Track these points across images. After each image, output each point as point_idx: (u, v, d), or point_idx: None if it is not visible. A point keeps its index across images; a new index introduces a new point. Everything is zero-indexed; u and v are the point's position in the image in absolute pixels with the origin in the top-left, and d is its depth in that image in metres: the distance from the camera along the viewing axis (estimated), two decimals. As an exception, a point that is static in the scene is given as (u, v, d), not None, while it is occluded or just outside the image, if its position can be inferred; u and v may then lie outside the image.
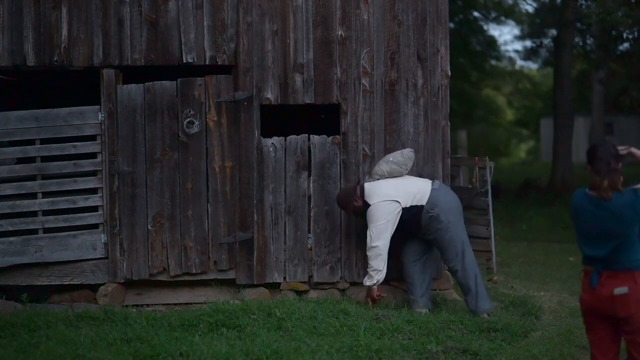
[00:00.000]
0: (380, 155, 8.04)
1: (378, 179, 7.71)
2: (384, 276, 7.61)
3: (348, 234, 8.06)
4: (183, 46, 7.92)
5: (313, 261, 8.03)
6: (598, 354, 4.83)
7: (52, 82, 10.06)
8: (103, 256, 7.91)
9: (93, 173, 7.92)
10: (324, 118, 9.27)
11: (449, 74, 8.20)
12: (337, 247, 8.05)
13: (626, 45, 18.21)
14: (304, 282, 8.05)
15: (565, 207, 18.60)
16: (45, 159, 7.92)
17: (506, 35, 74.40)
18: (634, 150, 5.01)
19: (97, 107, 7.93)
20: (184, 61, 7.93)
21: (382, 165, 7.75)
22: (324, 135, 8.08)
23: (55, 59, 7.86)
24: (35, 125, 7.84)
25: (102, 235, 7.90)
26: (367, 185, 7.69)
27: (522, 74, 39.30)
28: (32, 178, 7.90)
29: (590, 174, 4.75)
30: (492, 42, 29.79)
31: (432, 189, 7.64)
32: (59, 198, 7.91)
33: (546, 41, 27.45)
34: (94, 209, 7.93)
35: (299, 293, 8.01)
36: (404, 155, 7.78)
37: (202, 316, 6.94)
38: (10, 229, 7.84)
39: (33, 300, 7.65)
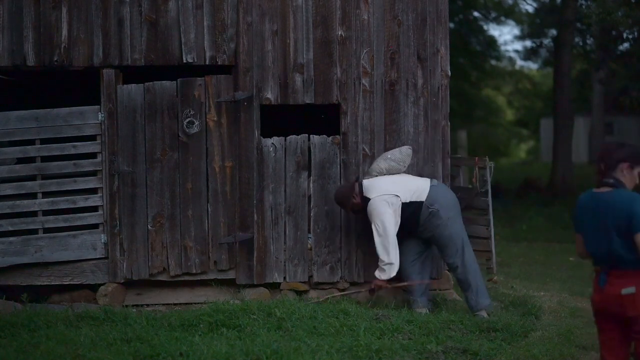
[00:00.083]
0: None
1: (376, 176, 7.71)
2: (397, 269, 7.52)
3: (348, 234, 8.06)
4: (183, 46, 7.92)
5: (313, 261, 8.03)
6: (607, 356, 4.79)
7: (52, 82, 10.06)
8: (103, 256, 7.91)
9: (93, 173, 7.93)
10: (324, 118, 9.27)
11: (449, 74, 8.20)
12: (337, 247, 8.05)
13: (626, 45, 18.22)
14: (304, 282, 8.05)
15: (566, 207, 18.60)
16: (45, 159, 7.92)
17: (506, 35, 74.44)
18: None
19: (97, 107, 7.93)
20: (184, 61, 7.93)
21: (380, 163, 7.75)
22: (324, 135, 8.08)
23: (55, 59, 7.86)
24: (35, 125, 7.84)
25: (102, 235, 7.90)
26: (365, 181, 7.69)
27: (522, 74, 39.32)
28: (32, 178, 7.90)
29: (597, 173, 4.75)
30: (492, 42, 29.80)
31: (431, 186, 7.64)
32: (59, 198, 7.91)
33: (546, 41, 27.45)
34: (94, 209, 7.93)
35: (299, 293, 8.01)
36: (402, 153, 7.78)
37: (202, 316, 6.94)
38: (10, 229, 7.84)
39: (33, 300, 7.65)
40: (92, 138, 7.92)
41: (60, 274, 7.87)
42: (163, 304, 7.96)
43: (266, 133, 8.10)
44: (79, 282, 7.91)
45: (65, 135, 7.88)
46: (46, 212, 7.90)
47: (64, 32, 7.85)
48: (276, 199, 8.00)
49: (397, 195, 7.52)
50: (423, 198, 7.56)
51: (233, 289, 8.00)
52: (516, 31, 55.65)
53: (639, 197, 4.62)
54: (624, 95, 20.91)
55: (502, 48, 44.79)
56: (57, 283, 7.90)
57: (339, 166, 8.06)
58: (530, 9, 28.37)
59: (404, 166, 7.77)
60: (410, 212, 7.55)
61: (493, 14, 29.35)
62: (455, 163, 8.62)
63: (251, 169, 7.98)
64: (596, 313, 4.83)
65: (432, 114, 8.15)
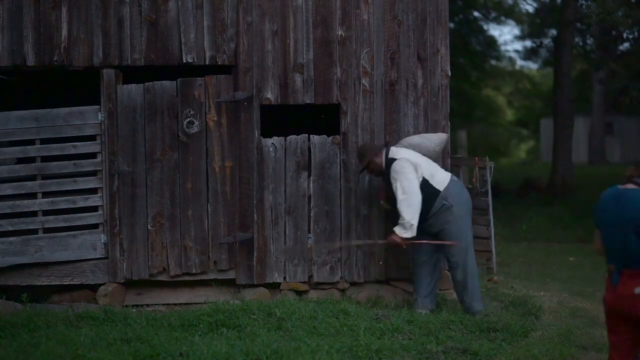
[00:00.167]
0: (380, 155, 8.05)
1: (405, 147, 7.69)
2: (415, 232, 7.42)
3: (348, 234, 8.06)
4: (183, 46, 7.92)
5: (313, 261, 8.03)
6: (616, 357, 4.75)
7: (52, 82, 10.06)
8: (103, 256, 7.91)
9: (93, 173, 7.93)
10: (324, 118, 9.27)
11: (449, 74, 8.20)
12: (337, 247, 8.05)
13: (626, 45, 18.22)
14: (304, 282, 8.05)
15: (566, 207, 18.61)
16: (45, 159, 7.92)
17: (506, 35, 74.41)
18: None
19: (97, 107, 7.93)
20: (184, 61, 7.93)
21: (414, 138, 7.77)
22: (324, 135, 8.08)
23: (55, 59, 7.86)
24: (35, 125, 7.84)
25: (102, 235, 7.91)
26: (393, 147, 7.69)
27: (522, 74, 39.31)
28: (32, 178, 7.90)
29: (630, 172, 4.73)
30: (492, 42, 29.79)
31: (451, 180, 7.61)
32: (59, 198, 7.91)
33: (546, 41, 27.44)
34: (94, 209, 7.93)
35: (299, 293, 8.01)
36: (439, 136, 7.80)
37: (202, 316, 6.94)
38: (10, 229, 7.84)
39: (33, 300, 7.65)
40: (92, 138, 7.92)
41: (60, 274, 7.87)
42: (163, 304, 7.96)
43: (266, 133, 8.10)
44: (79, 282, 7.91)
45: (65, 135, 7.88)
46: (46, 212, 7.90)
47: (64, 32, 7.85)
48: (276, 199, 8.00)
49: (421, 167, 7.49)
50: (441, 188, 7.51)
51: (233, 289, 8.00)
52: (516, 31, 55.66)
53: None
54: (624, 95, 20.91)
55: (502, 48, 44.80)
56: (57, 283, 7.90)
57: (339, 166, 8.06)
58: (530, 9, 28.37)
59: (434, 150, 7.74)
60: (425, 196, 7.44)
61: (493, 14, 29.34)
62: (455, 163, 8.62)
63: (251, 169, 7.98)
64: (608, 313, 4.76)
65: (432, 114, 8.15)
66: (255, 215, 7.98)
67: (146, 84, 7.93)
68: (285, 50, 8.00)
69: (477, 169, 8.30)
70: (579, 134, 31.30)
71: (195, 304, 7.85)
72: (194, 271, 7.95)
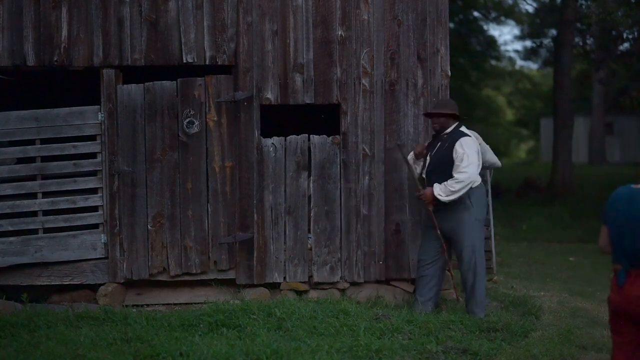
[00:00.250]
0: (380, 155, 8.06)
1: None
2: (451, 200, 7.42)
3: (348, 234, 8.06)
4: (183, 46, 7.93)
5: (313, 261, 8.03)
6: (620, 358, 4.70)
7: (52, 82, 10.06)
8: (103, 256, 7.91)
9: (93, 173, 7.93)
10: (324, 118, 9.27)
11: (449, 74, 8.20)
12: (337, 247, 8.05)
13: (626, 45, 18.23)
14: (304, 282, 8.05)
15: (566, 207, 18.62)
16: (45, 159, 7.92)
17: (506, 35, 74.44)
18: None
19: (97, 107, 7.93)
20: (184, 61, 7.93)
21: (483, 144, 7.84)
22: (324, 135, 8.08)
23: (55, 59, 7.86)
24: (35, 125, 7.84)
25: (102, 235, 7.91)
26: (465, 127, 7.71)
27: (522, 74, 39.33)
28: (32, 178, 7.90)
29: None
30: (492, 42, 29.81)
31: (481, 183, 7.61)
32: (59, 198, 7.91)
33: (546, 41, 27.46)
34: (94, 209, 7.93)
35: (299, 293, 8.01)
36: (494, 163, 7.95)
37: (202, 316, 6.94)
38: (10, 229, 7.85)
39: (33, 300, 7.65)
40: (92, 138, 7.92)
41: (60, 274, 7.87)
42: (163, 304, 7.96)
43: (266, 133, 8.10)
44: (79, 282, 7.91)
45: (65, 135, 7.88)
46: (46, 212, 7.90)
47: (64, 32, 7.85)
48: (276, 199, 8.00)
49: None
50: (473, 185, 7.51)
51: (233, 289, 8.00)
52: (516, 31, 55.70)
53: None
54: (624, 95, 20.93)
55: (502, 48, 44.87)
56: (57, 283, 7.90)
57: (339, 166, 8.06)
58: (530, 9, 28.41)
59: (482, 165, 7.72)
60: (464, 193, 7.43)
61: (493, 14, 29.35)
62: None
63: (251, 169, 7.98)
64: (613, 313, 4.71)
65: (432, 114, 8.14)
66: (255, 215, 7.98)
67: (146, 84, 7.93)
68: (285, 50, 8.01)
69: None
70: (579, 134, 31.32)
71: (195, 304, 7.85)
72: (194, 271, 7.95)
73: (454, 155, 7.44)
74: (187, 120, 7.92)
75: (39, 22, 7.83)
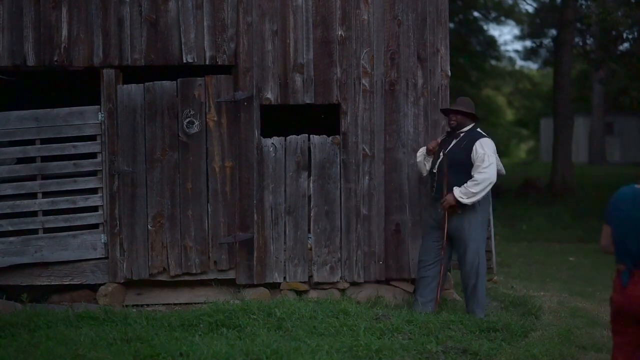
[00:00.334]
0: (380, 155, 8.06)
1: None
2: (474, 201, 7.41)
3: (348, 234, 8.06)
4: (183, 46, 7.93)
5: (313, 261, 8.03)
6: (620, 358, 4.70)
7: (52, 82, 10.06)
8: (103, 256, 7.91)
9: (93, 173, 7.93)
10: (324, 118, 9.27)
11: (449, 74, 8.20)
12: (337, 247, 8.06)
13: (626, 45, 18.22)
14: (304, 282, 8.05)
15: (566, 207, 18.62)
16: (45, 159, 7.92)
17: (506, 35, 74.49)
18: None
19: (97, 107, 7.93)
20: (184, 61, 7.93)
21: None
22: (324, 135, 8.08)
23: (55, 59, 7.86)
24: (35, 125, 7.84)
25: (102, 235, 7.91)
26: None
27: (522, 74, 39.33)
28: (32, 178, 7.90)
29: None
30: (492, 42, 29.80)
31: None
32: (59, 198, 7.91)
33: (546, 41, 27.46)
34: (94, 209, 7.93)
35: (299, 293, 8.01)
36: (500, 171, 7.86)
37: (202, 316, 6.94)
38: (10, 229, 7.84)
39: (33, 300, 7.66)
40: (92, 138, 7.92)
41: (60, 274, 7.87)
42: (163, 304, 7.96)
43: (266, 133, 8.10)
44: (79, 282, 7.91)
45: (65, 135, 7.88)
46: (46, 212, 7.90)
47: (64, 32, 7.85)
48: (276, 199, 8.00)
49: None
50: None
51: (233, 289, 8.00)
52: (516, 31, 55.71)
53: None
54: (624, 95, 20.92)
55: (502, 48, 44.86)
56: (57, 283, 7.90)
57: (339, 166, 8.06)
58: (530, 9, 28.40)
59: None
60: (485, 194, 7.44)
61: (493, 14, 29.35)
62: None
63: (251, 169, 7.98)
64: (615, 314, 4.70)
65: (432, 114, 8.15)
66: (255, 215, 7.98)
67: (146, 84, 7.93)
68: (285, 50, 8.01)
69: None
70: (579, 134, 31.33)
71: (195, 304, 7.85)
72: (194, 271, 7.95)
73: (474, 155, 7.44)
74: (187, 120, 7.92)
75: (39, 22, 7.83)
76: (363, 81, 8.07)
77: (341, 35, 8.04)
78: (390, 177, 8.10)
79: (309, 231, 8.05)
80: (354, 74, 8.06)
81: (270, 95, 7.99)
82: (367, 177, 8.06)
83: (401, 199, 8.11)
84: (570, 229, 16.27)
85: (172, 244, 7.92)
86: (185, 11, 7.91)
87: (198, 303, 7.83)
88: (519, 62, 40.10)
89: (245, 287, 7.99)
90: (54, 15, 7.84)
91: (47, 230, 7.88)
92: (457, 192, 7.39)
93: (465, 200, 7.37)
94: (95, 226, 7.94)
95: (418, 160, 7.78)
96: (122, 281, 7.92)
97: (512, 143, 45.82)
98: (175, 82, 7.93)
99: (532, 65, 38.21)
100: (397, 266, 8.11)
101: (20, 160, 8.03)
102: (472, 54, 28.25)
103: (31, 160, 7.92)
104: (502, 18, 30.77)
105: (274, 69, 7.99)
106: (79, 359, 5.99)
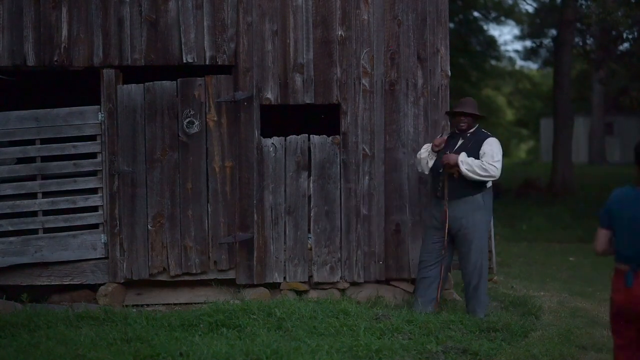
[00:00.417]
0: (380, 155, 8.06)
1: None
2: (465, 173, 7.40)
3: (348, 234, 8.06)
4: (183, 46, 7.93)
5: (313, 261, 8.03)
6: (622, 358, 4.71)
7: (52, 82, 10.06)
8: (103, 256, 7.91)
9: (93, 173, 7.93)
10: (323, 118, 9.27)
11: (449, 74, 8.20)
12: (337, 247, 8.05)
13: (626, 45, 18.21)
14: (304, 282, 8.05)
15: (566, 207, 18.62)
16: (45, 159, 7.92)
17: (506, 35, 74.53)
18: None
19: (97, 107, 7.93)
20: (184, 61, 7.93)
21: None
22: (324, 135, 8.08)
23: (55, 59, 7.86)
24: (35, 125, 7.84)
25: (102, 235, 7.91)
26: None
27: (522, 74, 39.33)
28: (32, 178, 7.90)
29: (637, 173, 4.68)
30: (492, 42, 29.80)
31: (490, 186, 7.64)
32: (59, 198, 7.91)
33: (546, 41, 27.46)
34: (94, 209, 7.93)
35: (299, 293, 8.01)
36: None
37: (202, 316, 6.94)
38: (10, 229, 7.85)
39: (33, 300, 7.66)
40: (92, 138, 7.92)
41: (60, 274, 7.87)
42: (163, 304, 7.96)
43: (266, 133, 8.10)
44: (79, 282, 7.91)
45: (65, 135, 7.88)
46: (46, 212, 7.90)
47: (64, 32, 7.85)
48: (276, 199, 8.00)
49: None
50: (488, 185, 7.54)
51: (233, 289, 8.00)
52: (516, 31, 55.74)
53: None
54: (624, 95, 20.91)
55: (502, 48, 44.88)
56: (57, 283, 7.90)
57: (339, 166, 8.06)
58: (530, 9, 28.40)
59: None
60: (479, 182, 7.46)
61: (493, 14, 29.34)
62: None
63: (251, 169, 7.98)
64: (616, 314, 4.70)
65: (432, 114, 8.15)
66: (255, 215, 7.98)
67: (146, 84, 7.93)
68: (285, 50, 8.01)
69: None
70: (579, 134, 31.33)
71: (195, 304, 7.85)
72: (194, 271, 7.95)
73: (482, 153, 7.46)
74: (187, 120, 7.92)
75: (39, 22, 7.83)
76: (363, 81, 8.07)
77: (341, 35, 8.04)
78: (390, 177, 8.10)
79: (309, 231, 8.05)
80: (354, 74, 8.06)
81: (270, 95, 7.99)
82: (367, 177, 8.06)
83: (401, 199, 8.11)
84: (570, 229, 16.26)
85: (172, 244, 7.92)
86: (185, 11, 7.91)
87: (198, 303, 7.83)
88: (519, 62, 40.16)
89: (245, 287, 7.99)
90: (54, 15, 7.84)
91: (47, 230, 7.88)
92: (463, 156, 7.40)
93: (463, 169, 7.36)
94: (95, 226, 7.94)
95: (422, 156, 7.72)
96: (122, 281, 7.92)
97: (512, 143, 45.81)
98: (175, 82, 7.93)
99: (532, 65, 38.25)
100: (397, 266, 8.11)
101: (20, 160, 8.03)
102: (472, 54, 28.25)
103: (31, 160, 7.92)
104: (502, 18, 30.77)
105: (274, 69, 7.99)
106: (79, 359, 5.99)
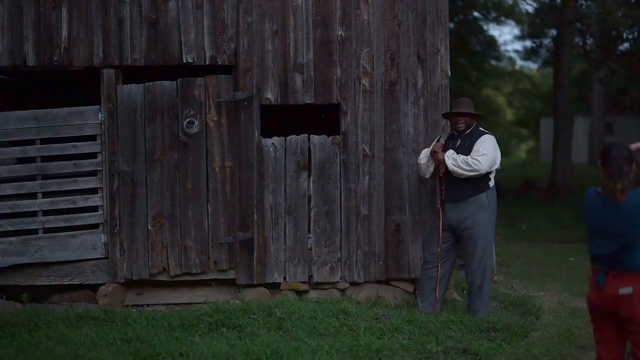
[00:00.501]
0: (380, 155, 8.06)
1: None
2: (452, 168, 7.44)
3: (348, 234, 8.06)
4: (183, 46, 7.93)
5: (313, 261, 8.03)
6: (603, 353, 4.86)
7: (52, 82, 10.06)
8: (103, 256, 7.91)
9: (93, 173, 7.93)
10: (323, 118, 9.27)
11: (449, 74, 8.20)
12: (337, 247, 8.06)
13: (626, 45, 18.21)
14: (304, 282, 8.05)
15: (566, 207, 18.62)
16: (45, 159, 7.93)
17: (506, 35, 74.52)
18: None
19: (97, 107, 7.93)
20: (184, 61, 7.93)
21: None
22: (324, 135, 8.08)
23: (55, 59, 7.86)
24: (35, 125, 7.84)
25: (102, 235, 7.91)
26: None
27: (522, 74, 39.33)
28: (32, 178, 7.90)
29: (603, 176, 4.75)
30: (492, 42, 29.80)
31: (494, 185, 7.63)
32: (59, 198, 7.91)
33: (546, 41, 27.46)
34: (94, 209, 7.94)
35: (299, 293, 8.01)
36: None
37: (202, 316, 6.94)
38: (10, 229, 7.85)
39: (33, 300, 7.66)
40: (92, 138, 7.92)
41: (60, 274, 7.87)
42: (163, 304, 7.97)
43: (266, 133, 8.10)
44: (79, 282, 7.91)
45: (65, 135, 7.88)
46: (46, 212, 7.90)
47: (64, 32, 7.85)
48: (276, 199, 8.00)
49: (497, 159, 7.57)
50: (491, 185, 7.55)
51: (233, 289, 8.00)
52: (516, 31, 55.74)
53: None
54: (624, 95, 20.91)
55: (502, 48, 44.89)
56: (57, 283, 7.90)
57: (339, 166, 8.06)
58: (530, 9, 28.40)
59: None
60: (482, 180, 7.46)
61: (493, 14, 29.34)
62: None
63: (251, 169, 7.98)
64: (592, 311, 4.88)
65: (432, 114, 8.15)
66: (255, 215, 7.98)
67: (146, 84, 7.93)
68: (285, 50, 8.01)
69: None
70: (579, 134, 31.34)
71: (195, 304, 7.85)
72: (194, 271, 7.95)
73: (474, 150, 7.47)
74: (187, 120, 7.92)
75: (39, 22, 7.83)
76: (363, 81, 8.07)
77: (341, 35, 8.04)
78: (390, 177, 8.10)
79: (309, 231, 8.05)
80: (354, 74, 8.06)
81: (270, 95, 7.99)
82: (367, 177, 8.06)
83: (401, 199, 8.11)
84: (570, 229, 16.26)
85: (172, 244, 7.92)
86: (185, 11, 7.91)
87: (198, 303, 7.83)
88: (519, 62, 40.16)
89: (245, 287, 7.99)
90: (54, 15, 7.84)
91: (47, 230, 7.88)
92: (450, 152, 7.45)
93: (449, 163, 7.41)
94: (95, 226, 7.95)
95: (422, 162, 7.73)
96: (122, 281, 7.92)
97: (512, 143, 45.82)
98: (175, 82, 7.93)
99: (532, 65, 38.24)
100: (397, 266, 8.11)
101: (20, 160, 8.03)
102: (472, 54, 28.25)
103: (31, 160, 7.92)
104: (502, 18, 30.76)
105: (274, 69, 7.99)
106: (79, 359, 5.99)
